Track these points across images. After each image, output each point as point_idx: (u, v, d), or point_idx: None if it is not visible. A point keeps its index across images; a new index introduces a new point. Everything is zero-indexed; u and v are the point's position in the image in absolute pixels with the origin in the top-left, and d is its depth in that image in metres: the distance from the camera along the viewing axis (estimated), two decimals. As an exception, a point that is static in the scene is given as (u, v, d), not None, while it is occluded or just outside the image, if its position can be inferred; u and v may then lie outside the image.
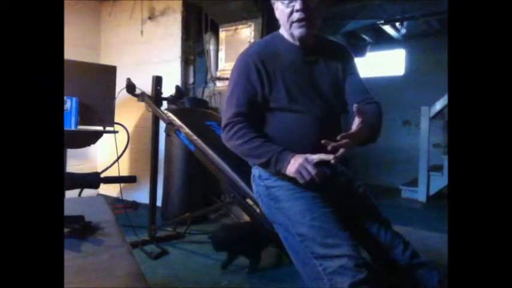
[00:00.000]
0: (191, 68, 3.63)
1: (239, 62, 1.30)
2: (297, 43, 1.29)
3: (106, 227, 1.12)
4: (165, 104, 2.82)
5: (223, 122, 1.27)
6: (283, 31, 1.33)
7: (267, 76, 1.25)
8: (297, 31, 1.24)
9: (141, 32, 3.78)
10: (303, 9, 1.20)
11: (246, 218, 2.49)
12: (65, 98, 2.47)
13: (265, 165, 1.22)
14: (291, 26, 1.24)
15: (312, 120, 1.25)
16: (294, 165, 1.14)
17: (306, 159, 1.14)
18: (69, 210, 1.04)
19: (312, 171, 1.13)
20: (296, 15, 1.22)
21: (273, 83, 1.25)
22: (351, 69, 1.37)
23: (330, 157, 1.11)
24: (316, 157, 1.15)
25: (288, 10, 1.22)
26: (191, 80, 3.63)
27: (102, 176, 2.70)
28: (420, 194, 4.39)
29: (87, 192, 2.70)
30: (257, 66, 1.25)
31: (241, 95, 1.26)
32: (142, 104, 2.59)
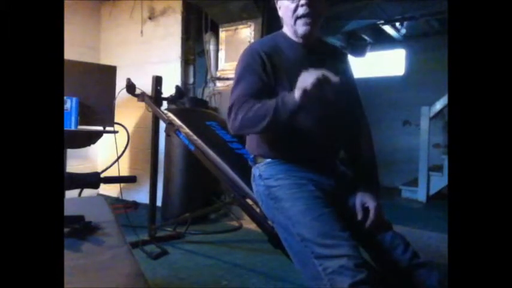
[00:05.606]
0: (191, 68, 3.63)
1: (244, 55, 1.29)
2: (300, 41, 1.29)
3: (106, 227, 1.12)
4: (165, 104, 2.82)
5: (229, 105, 1.20)
6: (286, 30, 1.33)
7: (272, 71, 1.24)
8: (301, 28, 1.24)
9: (141, 32, 3.78)
10: (308, 4, 1.21)
11: (246, 218, 2.48)
12: (65, 98, 2.47)
13: (276, 118, 1.10)
14: (295, 22, 1.24)
15: (314, 120, 1.25)
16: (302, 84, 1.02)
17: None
18: (69, 210, 1.04)
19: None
20: (301, 10, 1.22)
21: (277, 79, 1.24)
22: (348, 74, 1.39)
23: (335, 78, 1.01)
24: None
25: (293, 5, 1.23)
26: (191, 80, 3.63)
27: (102, 176, 2.69)
28: (420, 194, 4.39)
29: (87, 192, 2.70)
30: (263, 59, 1.24)
31: (248, 86, 1.21)
32: (142, 104, 2.58)
